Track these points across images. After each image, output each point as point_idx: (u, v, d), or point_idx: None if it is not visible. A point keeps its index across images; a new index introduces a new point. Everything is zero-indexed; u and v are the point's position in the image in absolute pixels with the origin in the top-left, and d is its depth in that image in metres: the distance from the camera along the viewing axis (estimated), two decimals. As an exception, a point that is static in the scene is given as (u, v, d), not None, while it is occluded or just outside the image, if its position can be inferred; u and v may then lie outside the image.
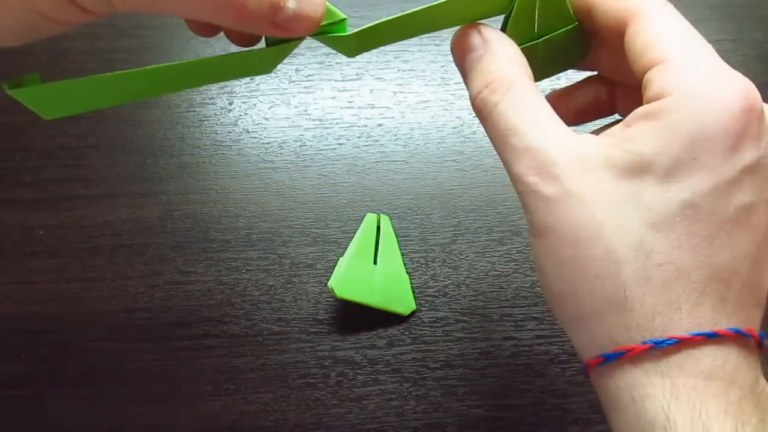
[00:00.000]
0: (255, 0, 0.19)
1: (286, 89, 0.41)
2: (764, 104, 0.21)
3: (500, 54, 0.23)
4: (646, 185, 0.20)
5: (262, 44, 0.23)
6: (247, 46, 0.23)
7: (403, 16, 0.23)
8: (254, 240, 0.38)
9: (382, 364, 0.36)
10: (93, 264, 0.37)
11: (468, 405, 0.35)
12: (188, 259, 0.37)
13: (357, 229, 0.37)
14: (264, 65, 0.23)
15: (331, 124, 0.40)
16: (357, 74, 0.42)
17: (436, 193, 0.39)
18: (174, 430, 0.35)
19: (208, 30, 0.24)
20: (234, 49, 0.23)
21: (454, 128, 0.40)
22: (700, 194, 0.20)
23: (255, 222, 0.38)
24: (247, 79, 0.41)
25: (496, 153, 0.40)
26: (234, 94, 0.41)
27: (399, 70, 0.42)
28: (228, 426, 0.35)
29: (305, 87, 0.41)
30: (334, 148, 0.40)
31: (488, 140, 0.43)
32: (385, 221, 0.38)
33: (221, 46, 0.41)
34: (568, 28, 0.25)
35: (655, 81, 0.21)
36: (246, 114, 0.41)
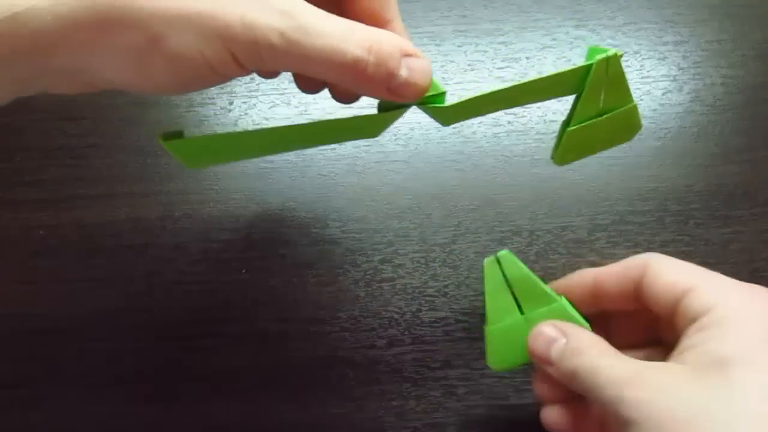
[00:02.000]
0: (374, 66, 0.23)
1: (286, 89, 0.41)
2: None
3: (581, 334, 0.28)
4: (732, 374, 0.23)
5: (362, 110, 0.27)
6: (346, 103, 0.28)
7: (492, 92, 0.26)
8: (254, 240, 0.38)
9: (382, 364, 0.36)
10: (93, 264, 0.37)
11: (468, 405, 0.35)
12: (188, 259, 0.37)
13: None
14: (373, 129, 0.28)
15: (331, 124, 0.40)
16: (357, 74, 0.42)
17: (436, 193, 0.39)
18: (174, 430, 0.35)
19: (314, 88, 0.28)
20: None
21: (454, 128, 0.40)
22: None
23: (255, 222, 0.38)
24: (248, 78, 0.41)
25: (496, 153, 0.41)
26: (234, 94, 0.41)
27: (399, 70, 0.42)
28: (228, 426, 0.35)
29: (305, 87, 0.41)
30: (334, 148, 0.40)
31: (488, 140, 0.43)
32: (506, 260, 0.31)
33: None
34: (629, 107, 0.30)
35: (695, 304, 0.26)
36: (246, 114, 0.41)
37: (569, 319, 0.30)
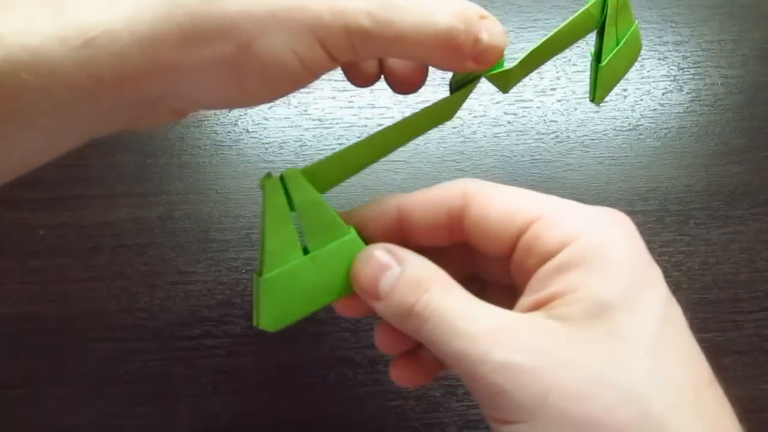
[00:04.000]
0: (465, 33, 0.21)
1: (286, 89, 0.41)
2: None
3: (420, 263, 0.23)
4: (617, 322, 0.20)
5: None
6: (405, 93, 0.27)
7: (543, 44, 0.26)
8: (254, 240, 0.38)
9: (382, 364, 0.36)
10: (93, 264, 0.37)
11: (468, 405, 0.35)
12: (188, 259, 0.37)
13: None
14: (449, 113, 0.27)
15: (331, 124, 0.40)
16: (357, 74, 0.42)
17: (436, 193, 0.39)
18: (174, 430, 0.35)
19: (370, 79, 0.26)
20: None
21: (454, 128, 0.40)
22: (661, 307, 0.20)
23: (255, 222, 0.38)
24: (247, 79, 0.41)
25: (496, 153, 0.40)
26: (234, 94, 0.41)
27: (399, 70, 0.42)
28: (228, 426, 0.35)
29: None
30: (334, 148, 0.40)
31: (488, 140, 0.43)
32: (294, 181, 0.23)
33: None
34: (633, 27, 0.30)
35: (545, 236, 0.21)
36: (246, 114, 0.41)
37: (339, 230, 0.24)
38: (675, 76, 0.42)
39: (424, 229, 0.24)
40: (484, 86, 0.41)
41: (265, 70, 0.21)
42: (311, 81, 0.22)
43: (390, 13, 0.21)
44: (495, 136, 0.40)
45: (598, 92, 0.30)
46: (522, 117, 0.41)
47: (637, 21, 0.30)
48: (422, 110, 0.26)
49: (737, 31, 0.43)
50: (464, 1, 0.22)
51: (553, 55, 0.28)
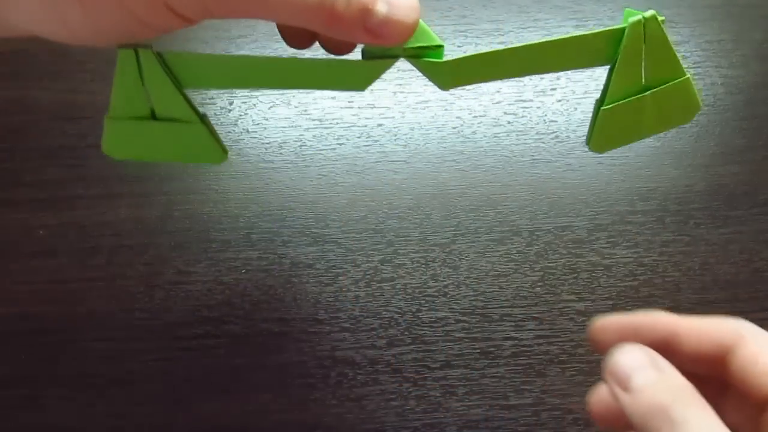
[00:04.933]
0: (343, 3, 0.19)
1: (286, 89, 0.41)
2: None
3: (680, 375, 0.22)
4: None
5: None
6: (339, 55, 0.24)
7: (498, 52, 0.23)
8: (254, 240, 0.38)
9: (382, 364, 0.36)
10: (93, 264, 0.37)
11: (468, 405, 0.35)
12: (188, 259, 0.37)
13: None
14: (359, 80, 0.24)
15: (331, 124, 0.40)
16: (357, 74, 0.42)
17: (436, 193, 0.39)
18: (174, 430, 0.35)
19: (302, 41, 0.24)
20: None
21: (454, 128, 0.40)
22: None
23: (255, 222, 0.38)
24: (247, 79, 0.41)
25: (496, 153, 0.40)
26: (234, 94, 0.41)
27: (399, 70, 0.42)
28: (228, 426, 0.35)
29: (305, 87, 0.41)
30: (334, 148, 0.40)
31: (488, 140, 0.43)
32: (147, 61, 0.24)
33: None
34: (680, 80, 0.24)
35: None
36: (246, 114, 0.41)
37: (208, 147, 0.26)
38: (675, 76, 0.42)
39: (688, 353, 0.24)
40: (485, 86, 0.41)
41: (89, 16, 0.20)
42: (163, 33, 0.21)
43: None
44: (495, 136, 0.40)
45: (595, 137, 0.26)
46: (522, 117, 0.41)
47: (689, 76, 0.24)
48: (327, 60, 0.23)
49: (737, 31, 0.43)
50: None
51: (530, 74, 0.25)
